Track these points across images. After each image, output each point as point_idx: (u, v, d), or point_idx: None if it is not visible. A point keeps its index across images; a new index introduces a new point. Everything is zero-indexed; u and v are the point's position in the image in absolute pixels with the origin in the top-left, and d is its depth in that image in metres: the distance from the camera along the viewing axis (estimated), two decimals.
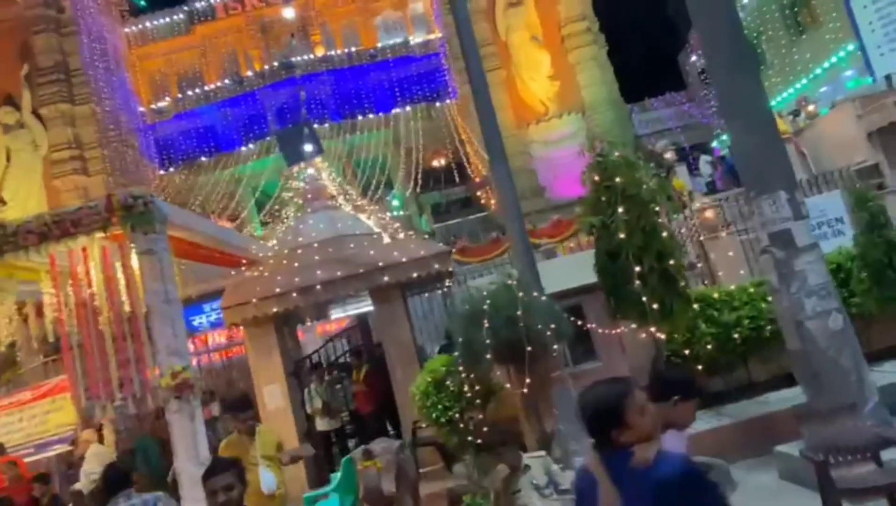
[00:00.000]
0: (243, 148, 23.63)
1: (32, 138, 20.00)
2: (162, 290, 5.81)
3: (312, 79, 23.55)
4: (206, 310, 13.18)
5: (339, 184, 12.70)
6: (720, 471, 3.90)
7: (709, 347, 7.00)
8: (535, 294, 5.90)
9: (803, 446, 5.06)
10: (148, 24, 25.65)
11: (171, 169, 23.96)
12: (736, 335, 7.14)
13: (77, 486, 8.04)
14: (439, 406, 6.29)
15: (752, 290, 7.44)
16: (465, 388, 5.92)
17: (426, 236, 16.86)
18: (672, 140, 19.80)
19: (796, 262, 5.41)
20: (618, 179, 5.84)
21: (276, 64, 24.29)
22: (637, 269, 5.80)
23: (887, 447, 4.61)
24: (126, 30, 24.85)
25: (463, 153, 22.49)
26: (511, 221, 6.89)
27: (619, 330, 6.62)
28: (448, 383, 6.30)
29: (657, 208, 5.94)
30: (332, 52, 24.57)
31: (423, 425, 6.99)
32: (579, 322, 6.52)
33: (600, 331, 6.69)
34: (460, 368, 6.01)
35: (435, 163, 23.79)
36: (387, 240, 9.92)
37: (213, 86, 24.96)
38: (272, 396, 8.22)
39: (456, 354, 6.10)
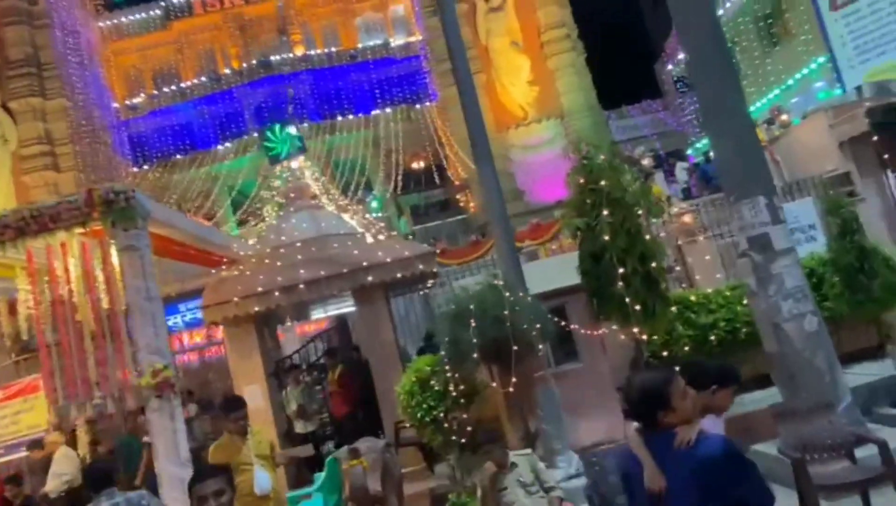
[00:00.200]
0: (220, 146, 23.36)
1: (1, 133, 19.47)
2: (143, 287, 5.71)
3: (292, 78, 23.38)
4: (181, 310, 13.01)
5: (321, 183, 12.63)
6: None
7: (686, 348, 7.15)
8: (521, 294, 5.96)
9: (780, 445, 5.20)
10: (123, 18, 25.19)
11: (146, 166, 23.54)
12: (713, 337, 7.31)
13: (47, 488, 7.82)
14: (424, 406, 6.30)
15: (728, 293, 7.62)
16: (451, 387, 5.95)
17: (408, 238, 16.85)
18: (648, 147, 20.17)
19: (773, 265, 5.56)
20: (603, 182, 5.94)
21: (254, 62, 24.07)
22: (620, 271, 5.90)
23: (860, 445, 4.78)
24: (101, 24, 24.36)
25: (443, 156, 22.55)
26: (496, 222, 6.95)
27: (601, 331, 6.71)
28: (433, 382, 6.32)
29: (640, 211, 6.05)
30: (312, 52, 24.44)
31: (407, 425, 6.99)
32: (562, 323, 6.60)
33: (583, 331, 6.78)
34: (446, 368, 6.03)
35: (414, 165, 23.82)
36: (370, 240, 9.90)
37: (189, 83, 24.62)
38: (252, 396, 8.11)
39: (442, 353, 6.12)
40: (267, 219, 13.85)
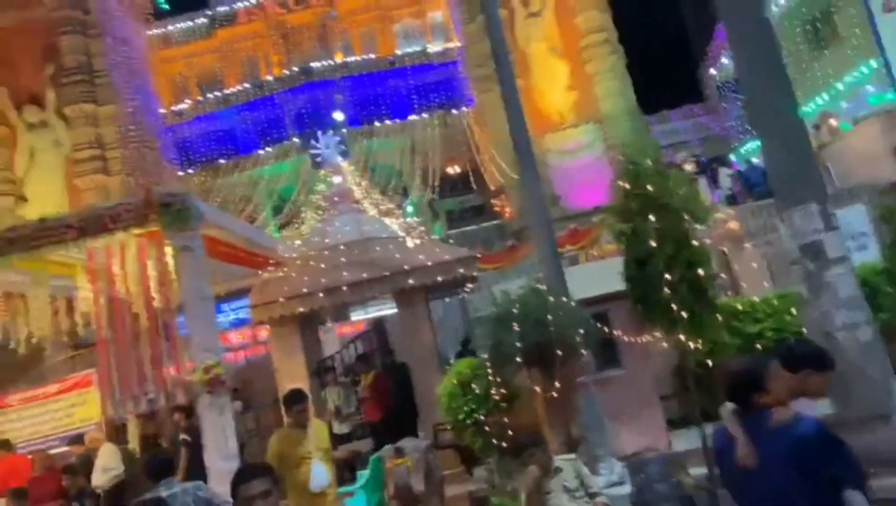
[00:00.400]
0: (261, 151, 23.88)
1: (56, 137, 20.29)
2: (198, 287, 5.91)
3: (331, 84, 23.79)
4: (225, 309, 13.33)
5: (364, 187, 12.85)
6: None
7: (732, 357, 7.00)
8: (564, 299, 5.95)
9: None
10: (170, 27, 26.04)
11: (190, 170, 24.23)
12: (759, 346, 7.15)
13: (95, 482, 8.02)
14: (465, 408, 6.32)
15: (776, 301, 7.45)
16: (492, 390, 5.96)
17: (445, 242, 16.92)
18: (690, 152, 19.82)
19: (826, 273, 5.43)
20: (649, 187, 5.88)
21: (295, 69, 24.56)
22: (667, 277, 5.83)
23: None
24: (149, 33, 25.22)
25: (478, 161, 22.59)
26: (538, 227, 6.94)
27: (645, 338, 6.64)
28: (473, 385, 6.34)
29: (687, 217, 5.97)
30: (351, 59, 24.82)
31: (447, 428, 7.03)
32: (605, 329, 6.55)
33: (626, 338, 6.72)
34: (487, 371, 6.05)
35: (450, 170, 23.93)
36: (411, 243, 10.00)
37: (232, 89, 25.26)
38: None
39: (484, 356, 6.14)
40: (307, 222, 14.12)
